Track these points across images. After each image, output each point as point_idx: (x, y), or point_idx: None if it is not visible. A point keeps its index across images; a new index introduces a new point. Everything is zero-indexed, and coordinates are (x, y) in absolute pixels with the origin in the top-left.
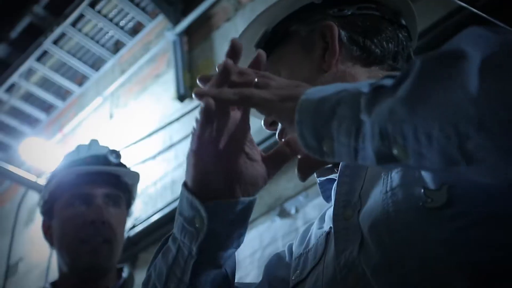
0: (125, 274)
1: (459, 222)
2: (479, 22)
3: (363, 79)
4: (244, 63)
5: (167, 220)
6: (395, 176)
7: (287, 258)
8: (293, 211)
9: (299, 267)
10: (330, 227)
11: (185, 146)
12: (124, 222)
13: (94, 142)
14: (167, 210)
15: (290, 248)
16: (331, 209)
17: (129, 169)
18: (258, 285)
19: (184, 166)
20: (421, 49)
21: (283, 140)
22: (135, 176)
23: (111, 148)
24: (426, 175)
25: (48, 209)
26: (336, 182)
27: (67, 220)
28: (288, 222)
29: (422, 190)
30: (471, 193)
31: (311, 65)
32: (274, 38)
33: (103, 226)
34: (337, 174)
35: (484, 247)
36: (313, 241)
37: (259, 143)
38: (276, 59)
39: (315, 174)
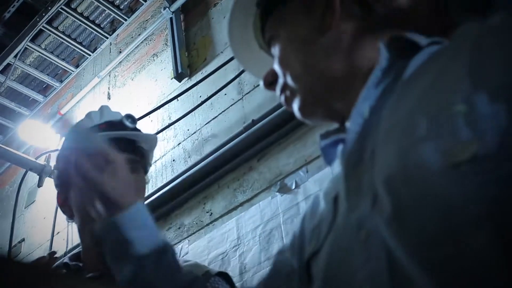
0: None
1: (483, 177)
2: None
3: (365, 38)
4: (245, 21)
5: (167, 198)
6: (414, 130)
7: (287, 253)
8: (293, 186)
9: (314, 237)
10: (337, 191)
11: (184, 125)
12: (143, 188)
13: (105, 108)
14: (167, 188)
15: (293, 237)
16: (339, 173)
17: (146, 133)
18: None
19: (184, 144)
20: None
21: (283, 98)
22: (153, 141)
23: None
24: (457, 128)
25: (64, 180)
26: (346, 140)
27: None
28: (289, 197)
29: (447, 144)
30: (499, 150)
31: (311, 25)
32: None
33: None
34: (343, 135)
35: (508, 202)
36: (323, 209)
37: (270, 112)
38: (276, 19)
39: (319, 139)
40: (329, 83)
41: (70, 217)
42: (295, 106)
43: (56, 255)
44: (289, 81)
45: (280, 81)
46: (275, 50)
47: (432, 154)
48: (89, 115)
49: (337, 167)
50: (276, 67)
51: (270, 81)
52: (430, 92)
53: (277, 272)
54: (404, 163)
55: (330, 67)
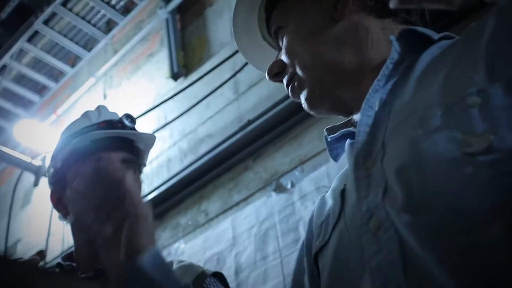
0: None
1: (498, 168)
2: None
3: (377, 31)
4: (249, 13)
5: (163, 198)
6: (428, 121)
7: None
8: (289, 185)
9: (321, 233)
10: (345, 184)
11: (180, 125)
12: (140, 187)
13: (103, 107)
14: (163, 188)
15: (303, 241)
16: (345, 168)
17: (145, 133)
18: None
19: (180, 144)
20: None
21: (290, 89)
22: (151, 140)
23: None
24: (472, 119)
25: (60, 179)
26: (356, 132)
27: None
28: (284, 197)
29: (461, 135)
30: None
31: (322, 15)
32: None
33: None
34: (350, 128)
35: None
36: (330, 205)
37: (266, 112)
38: (285, 9)
39: (325, 134)
40: (338, 75)
41: (64, 215)
42: (303, 97)
43: (45, 255)
44: (298, 71)
45: (288, 71)
46: (282, 41)
47: (446, 143)
48: (86, 114)
49: (342, 163)
50: (284, 57)
51: (276, 72)
52: (444, 84)
53: (296, 280)
54: (417, 152)
55: (340, 58)
